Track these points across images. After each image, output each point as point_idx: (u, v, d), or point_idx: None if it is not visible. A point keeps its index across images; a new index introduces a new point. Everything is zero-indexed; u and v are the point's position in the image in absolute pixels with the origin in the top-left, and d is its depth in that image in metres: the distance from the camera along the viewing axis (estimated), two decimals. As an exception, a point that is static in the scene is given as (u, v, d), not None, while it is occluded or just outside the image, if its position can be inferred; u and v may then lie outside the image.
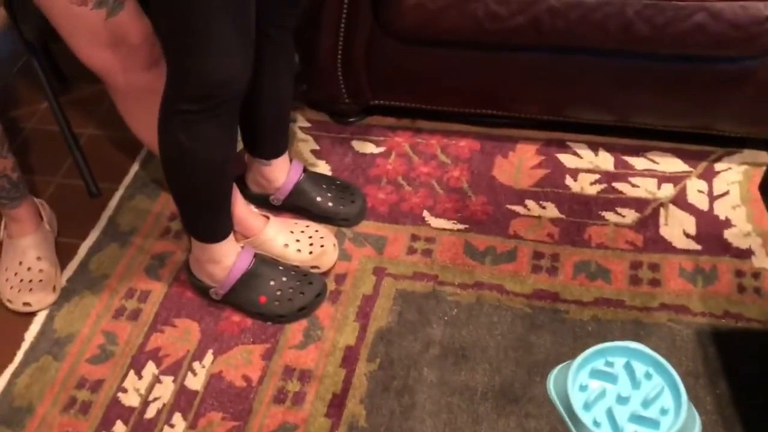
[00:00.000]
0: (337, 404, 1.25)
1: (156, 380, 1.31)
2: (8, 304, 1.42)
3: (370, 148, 1.67)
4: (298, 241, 1.43)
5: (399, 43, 1.46)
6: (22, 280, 1.42)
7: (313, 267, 1.43)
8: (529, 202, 1.53)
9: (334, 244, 1.45)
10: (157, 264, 1.49)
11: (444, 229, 1.50)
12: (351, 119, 1.70)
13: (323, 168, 1.63)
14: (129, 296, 1.45)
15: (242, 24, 1.08)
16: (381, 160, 1.64)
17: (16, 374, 1.34)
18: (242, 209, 1.41)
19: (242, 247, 1.38)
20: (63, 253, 1.51)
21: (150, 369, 1.33)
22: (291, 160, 1.51)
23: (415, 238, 1.49)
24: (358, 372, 1.29)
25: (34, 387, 1.32)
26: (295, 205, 1.52)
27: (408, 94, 1.60)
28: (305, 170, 1.52)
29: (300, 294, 1.37)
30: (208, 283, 1.39)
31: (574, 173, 1.57)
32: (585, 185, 1.55)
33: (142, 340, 1.38)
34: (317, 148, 1.68)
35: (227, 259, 1.35)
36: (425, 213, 1.53)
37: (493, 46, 1.41)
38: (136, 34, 1.19)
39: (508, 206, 1.53)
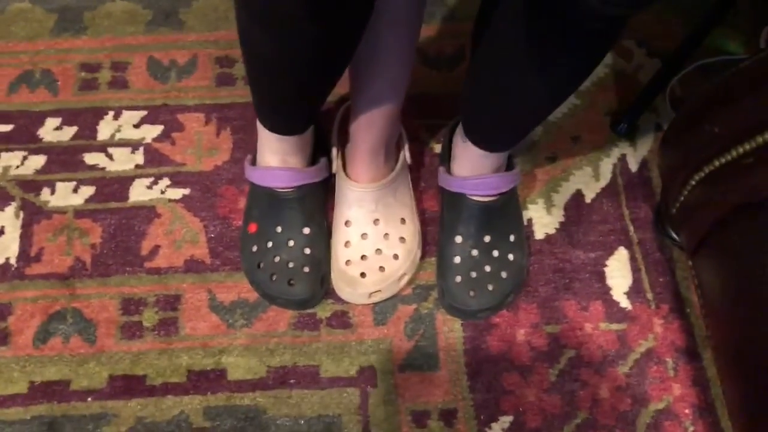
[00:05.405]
0: None
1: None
2: None
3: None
4: (364, 236, 0.89)
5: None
6: None
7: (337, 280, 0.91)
8: None
9: (372, 293, 0.89)
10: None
11: None
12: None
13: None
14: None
15: None
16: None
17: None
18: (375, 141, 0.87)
19: (316, 164, 0.91)
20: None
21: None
22: (513, 166, 0.92)
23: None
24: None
25: None
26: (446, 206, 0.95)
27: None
28: (508, 193, 0.91)
29: (286, 277, 0.88)
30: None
31: None
32: None
33: None
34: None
35: (267, 153, 0.88)
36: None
37: None
38: None
39: None
